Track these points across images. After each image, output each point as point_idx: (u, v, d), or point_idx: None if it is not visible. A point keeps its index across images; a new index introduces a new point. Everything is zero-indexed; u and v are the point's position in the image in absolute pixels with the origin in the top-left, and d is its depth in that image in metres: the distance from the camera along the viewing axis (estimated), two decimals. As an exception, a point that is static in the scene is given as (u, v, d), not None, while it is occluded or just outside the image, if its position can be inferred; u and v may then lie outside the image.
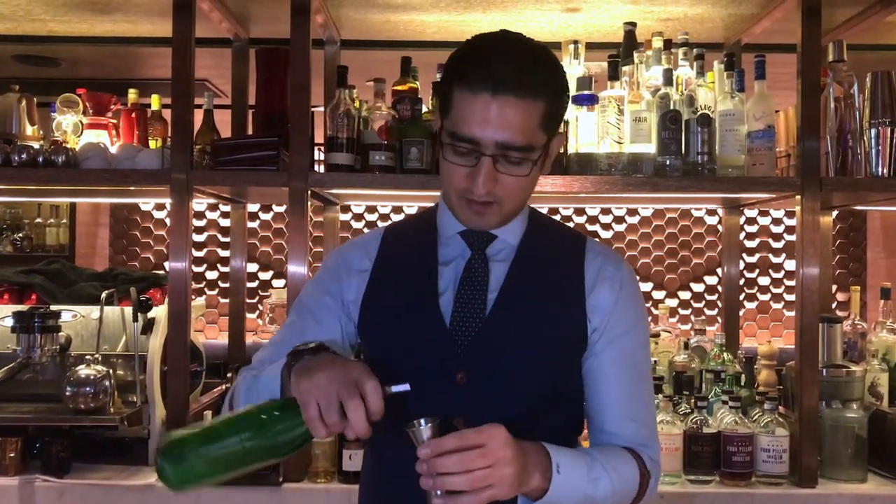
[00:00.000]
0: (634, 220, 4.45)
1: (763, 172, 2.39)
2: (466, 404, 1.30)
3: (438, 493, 1.14)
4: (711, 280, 4.38)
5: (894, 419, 2.46)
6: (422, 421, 1.16)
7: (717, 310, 4.34)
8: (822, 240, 2.93)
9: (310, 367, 1.18)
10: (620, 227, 4.46)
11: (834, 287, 4.18)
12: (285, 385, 1.23)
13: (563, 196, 2.55)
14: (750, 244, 4.45)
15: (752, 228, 4.43)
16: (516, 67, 1.22)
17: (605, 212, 4.43)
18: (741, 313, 4.37)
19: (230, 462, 1.17)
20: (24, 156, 2.44)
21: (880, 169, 2.37)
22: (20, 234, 4.58)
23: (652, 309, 4.24)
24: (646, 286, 4.43)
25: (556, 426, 1.36)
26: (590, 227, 4.43)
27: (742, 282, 4.44)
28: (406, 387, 1.18)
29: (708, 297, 4.38)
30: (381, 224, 3.33)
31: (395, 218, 4.17)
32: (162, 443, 1.18)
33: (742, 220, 4.44)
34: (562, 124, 1.37)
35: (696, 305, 4.38)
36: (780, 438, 2.32)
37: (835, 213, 4.35)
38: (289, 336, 1.41)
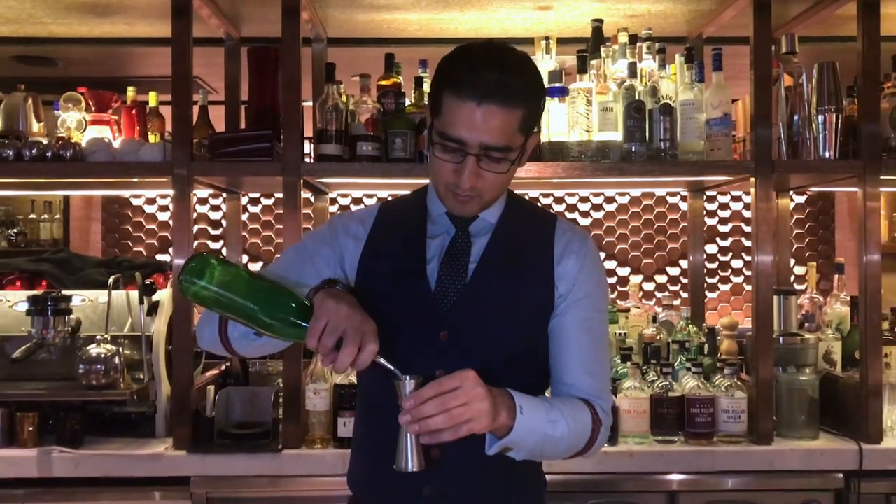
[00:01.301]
0: (612, 207, 4.72)
1: (720, 157, 2.65)
2: (448, 358, 1.52)
3: (412, 437, 1.36)
4: (686, 264, 4.65)
5: (845, 382, 2.74)
6: (406, 377, 1.39)
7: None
8: (781, 220, 3.22)
9: (341, 297, 1.42)
10: (599, 215, 4.73)
11: (804, 268, 4.48)
12: (310, 297, 1.44)
13: (537, 181, 2.81)
14: (723, 228, 4.73)
15: (726, 213, 4.71)
16: (500, 79, 1.44)
17: (584, 199, 4.70)
18: (716, 295, 4.68)
19: (231, 309, 1.41)
20: (33, 151, 2.67)
21: (827, 152, 2.65)
22: (14, 230, 4.82)
23: (619, 287, 4.53)
24: (623, 270, 4.70)
25: (527, 380, 1.58)
26: (569, 215, 4.69)
27: (716, 265, 4.73)
28: (397, 371, 1.40)
29: (683, 280, 4.65)
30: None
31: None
32: (193, 258, 1.43)
33: (715, 206, 4.73)
34: (538, 122, 1.61)
35: (672, 288, 4.66)
36: (738, 400, 2.60)
37: (804, 197, 4.67)
38: (286, 273, 1.60)
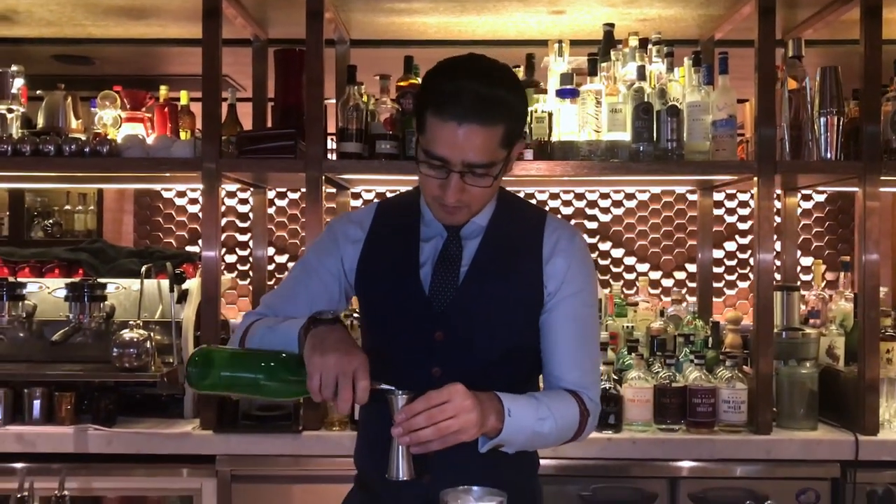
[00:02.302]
0: (632, 203, 4.86)
1: (725, 157, 2.80)
2: (444, 357, 1.66)
3: (402, 448, 1.49)
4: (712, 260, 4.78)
5: (846, 377, 2.88)
6: (398, 392, 1.49)
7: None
8: (787, 218, 3.36)
9: (324, 341, 1.50)
10: (619, 211, 4.87)
11: (823, 267, 4.59)
12: (301, 341, 1.58)
13: (548, 179, 2.98)
14: (742, 226, 4.86)
15: (745, 211, 4.83)
16: (480, 100, 1.51)
17: (605, 196, 4.85)
18: (734, 292, 4.80)
19: (240, 387, 1.59)
20: (73, 147, 2.89)
21: (828, 153, 2.79)
22: (50, 221, 5.07)
23: (613, 279, 4.67)
24: (642, 266, 4.85)
25: (519, 371, 1.74)
26: (589, 211, 4.85)
27: (735, 262, 4.86)
28: (391, 387, 1.50)
29: (701, 277, 4.78)
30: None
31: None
32: (195, 352, 1.61)
33: (735, 203, 4.85)
34: (522, 132, 1.70)
35: (690, 284, 4.79)
36: (739, 391, 2.75)
37: (823, 196, 4.78)
38: (294, 290, 1.77)
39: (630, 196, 4.84)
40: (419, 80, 3.02)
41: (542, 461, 2.68)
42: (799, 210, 4.80)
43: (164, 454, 2.73)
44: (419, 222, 1.75)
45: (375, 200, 1.93)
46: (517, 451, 1.65)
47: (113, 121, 3.14)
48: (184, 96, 3.27)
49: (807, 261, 4.69)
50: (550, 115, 2.84)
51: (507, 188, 4.19)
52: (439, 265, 1.69)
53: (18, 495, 1.80)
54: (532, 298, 1.71)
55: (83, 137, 3.00)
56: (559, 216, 4.79)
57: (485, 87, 1.53)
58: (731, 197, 4.85)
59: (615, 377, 2.82)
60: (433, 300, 1.68)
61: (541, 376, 1.81)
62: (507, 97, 1.57)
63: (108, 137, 3.00)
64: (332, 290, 1.78)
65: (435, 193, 1.62)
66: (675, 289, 4.12)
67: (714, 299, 4.71)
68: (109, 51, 3.59)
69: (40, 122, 3.16)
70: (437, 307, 1.67)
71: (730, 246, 4.87)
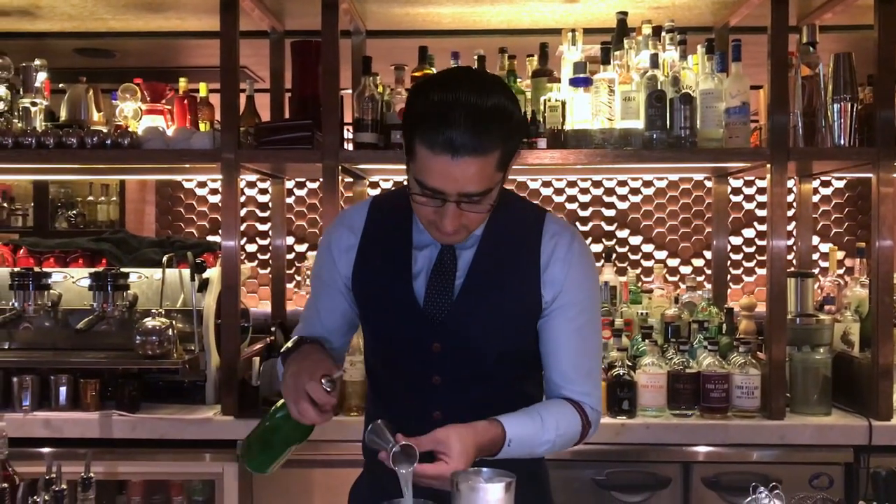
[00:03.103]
0: (650, 191, 4.89)
1: (738, 144, 2.83)
2: (442, 366, 1.67)
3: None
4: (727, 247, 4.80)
5: (860, 363, 2.90)
6: (393, 448, 1.47)
7: (729, 275, 4.77)
8: (803, 205, 3.38)
9: (286, 373, 1.61)
10: (636, 199, 4.90)
11: (843, 254, 4.60)
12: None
13: (561, 167, 3.01)
14: (761, 213, 4.87)
15: (763, 198, 4.84)
16: (472, 132, 1.43)
17: (622, 184, 4.88)
18: (753, 279, 4.82)
19: (279, 451, 1.69)
20: (95, 139, 2.96)
21: (842, 140, 2.80)
22: (74, 211, 5.19)
23: (631, 266, 4.71)
24: (660, 254, 4.88)
25: (516, 373, 1.74)
26: (606, 199, 4.88)
27: (753, 249, 4.87)
28: (340, 372, 1.57)
29: (719, 264, 4.80)
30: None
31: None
32: (241, 446, 1.81)
33: (753, 189, 4.87)
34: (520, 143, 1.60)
35: (708, 272, 4.81)
36: (752, 377, 2.78)
37: (843, 182, 4.78)
38: (315, 308, 1.82)
39: (648, 184, 4.87)
40: (433, 70, 3.07)
41: (556, 446, 2.75)
42: (818, 196, 4.83)
43: (186, 439, 2.81)
44: (412, 228, 1.70)
45: (370, 196, 1.88)
46: None
47: (133, 113, 3.22)
48: (203, 88, 3.34)
49: (826, 247, 4.70)
50: (564, 103, 2.88)
51: (523, 177, 4.22)
52: (434, 277, 1.66)
53: (46, 477, 1.88)
54: (529, 306, 1.68)
55: (105, 130, 3.07)
56: (575, 204, 4.84)
57: (477, 119, 1.45)
58: (749, 184, 4.87)
59: (629, 363, 2.85)
60: (428, 312, 1.66)
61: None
62: (500, 124, 1.49)
63: (129, 129, 3.08)
64: (346, 300, 1.78)
65: (430, 219, 1.56)
66: (691, 275, 4.15)
67: (732, 286, 4.76)
68: (130, 44, 3.66)
69: (63, 114, 3.25)
70: (433, 319, 1.65)
71: (748, 233, 4.89)
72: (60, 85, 3.38)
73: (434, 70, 3.07)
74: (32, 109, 3.12)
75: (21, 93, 3.14)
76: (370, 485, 1.84)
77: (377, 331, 1.77)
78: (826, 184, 4.84)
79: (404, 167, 1.59)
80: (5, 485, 1.86)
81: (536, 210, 1.77)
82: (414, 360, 1.69)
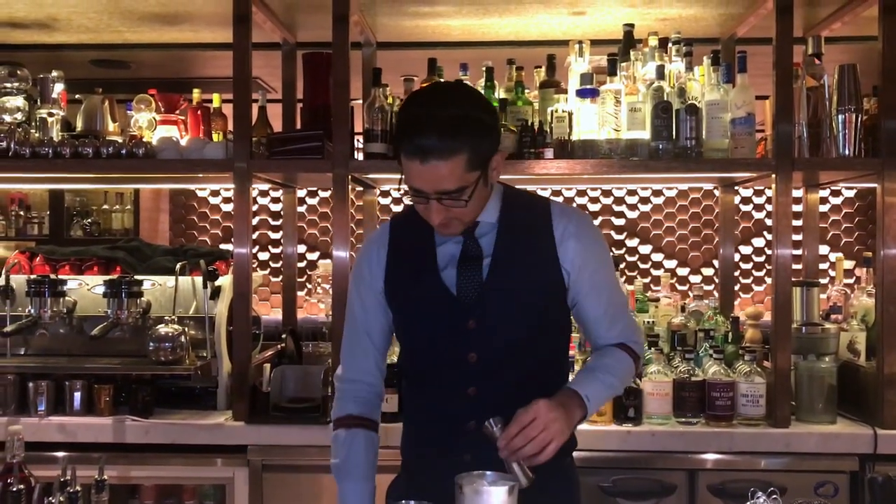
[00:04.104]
0: (659, 200, 4.92)
1: (744, 155, 2.86)
2: (477, 342, 1.84)
3: (516, 463, 1.68)
4: (737, 257, 4.82)
5: (866, 371, 2.93)
6: (491, 422, 1.68)
7: (738, 285, 4.80)
8: (809, 215, 3.41)
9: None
10: (646, 208, 4.93)
11: (852, 263, 4.61)
12: None
13: (568, 178, 3.06)
14: (770, 223, 4.88)
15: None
16: (438, 138, 1.66)
17: (632, 193, 4.91)
18: (762, 288, 4.84)
19: None
20: (110, 149, 3.03)
21: (846, 150, 2.84)
22: (89, 220, 5.27)
23: (641, 275, 4.74)
24: (670, 263, 4.90)
25: (547, 343, 1.93)
26: (616, 208, 4.92)
27: (763, 258, 4.89)
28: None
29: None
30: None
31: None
32: None
33: (763, 199, 4.89)
34: (495, 149, 1.78)
35: (717, 281, 4.83)
36: (757, 385, 2.81)
37: (853, 192, 4.80)
38: (354, 348, 2.00)
39: (658, 193, 4.90)
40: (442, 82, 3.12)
41: (562, 453, 2.79)
42: (828, 206, 4.84)
43: (198, 444, 2.86)
44: (432, 230, 1.87)
45: (387, 219, 2.06)
46: None
47: (148, 123, 3.29)
48: (216, 99, 3.41)
49: (835, 257, 4.71)
50: (571, 114, 2.92)
51: (530, 187, 4.30)
52: (462, 265, 1.86)
53: (62, 479, 1.94)
54: (552, 278, 1.88)
55: (120, 139, 3.14)
56: (578, 207, 4.88)
57: (443, 126, 1.67)
58: (759, 193, 4.89)
59: (635, 371, 2.89)
60: (462, 296, 1.85)
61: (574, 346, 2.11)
62: (466, 130, 1.69)
63: (144, 139, 3.15)
64: (385, 330, 1.99)
65: (426, 214, 1.79)
66: (698, 285, 4.18)
67: (742, 296, 4.78)
68: (145, 55, 3.74)
69: (79, 125, 3.32)
70: (466, 301, 1.84)
71: (758, 242, 4.91)
72: (77, 96, 3.45)
73: (443, 80, 3.12)
74: (49, 120, 3.19)
75: (38, 103, 3.22)
76: (407, 484, 1.98)
77: (413, 326, 1.93)
78: (836, 193, 4.85)
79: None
80: (21, 486, 1.92)
81: (542, 198, 1.99)
82: (449, 341, 1.86)
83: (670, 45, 3.04)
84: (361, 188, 3.59)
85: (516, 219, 1.90)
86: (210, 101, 3.40)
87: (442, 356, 1.89)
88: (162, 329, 2.95)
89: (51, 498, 1.91)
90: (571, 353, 2.76)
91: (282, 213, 4.68)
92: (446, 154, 1.67)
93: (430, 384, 1.95)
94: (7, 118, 3.15)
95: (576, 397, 1.78)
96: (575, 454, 2.73)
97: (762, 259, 4.90)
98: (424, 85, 3.09)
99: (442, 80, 3.12)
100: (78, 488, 1.92)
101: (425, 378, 1.97)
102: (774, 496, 1.64)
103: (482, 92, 2.98)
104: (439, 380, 1.92)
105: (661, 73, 2.92)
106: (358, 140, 3.17)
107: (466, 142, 1.69)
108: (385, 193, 4.75)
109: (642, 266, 4.92)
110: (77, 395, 2.94)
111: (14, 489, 1.90)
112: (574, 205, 4.90)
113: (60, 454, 2.80)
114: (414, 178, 1.72)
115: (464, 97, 1.78)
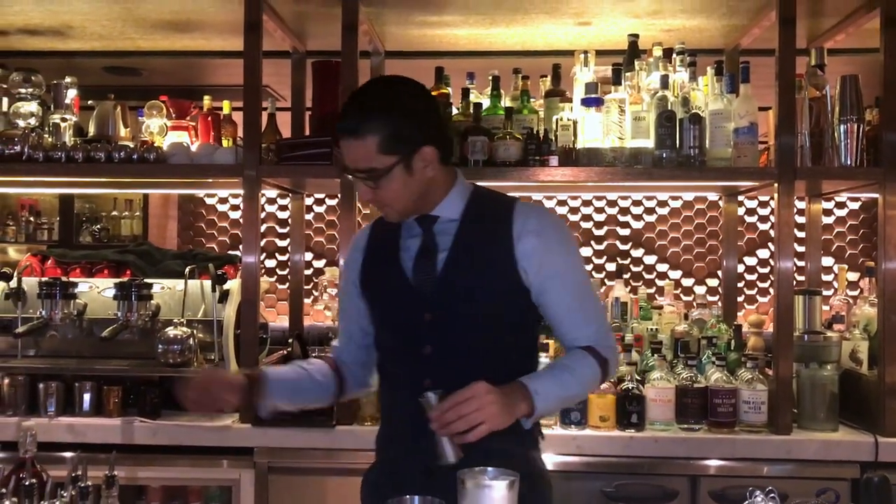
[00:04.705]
0: (664, 211, 4.95)
1: (747, 164, 2.90)
2: (435, 335, 1.89)
3: (446, 438, 1.71)
4: (738, 268, 4.85)
5: (868, 380, 2.96)
6: (429, 394, 1.72)
7: (743, 296, 4.83)
8: (812, 225, 3.45)
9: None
10: (651, 218, 4.97)
11: (857, 275, 4.64)
12: None
13: (573, 185, 3.10)
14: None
15: (778, 218, 4.89)
16: (351, 118, 1.81)
17: (637, 203, 4.95)
18: (767, 299, 4.87)
19: None
20: (122, 154, 3.09)
21: (848, 160, 2.88)
22: (98, 226, 5.33)
23: (646, 285, 4.77)
24: (675, 273, 4.93)
25: (508, 338, 1.94)
26: (621, 218, 4.95)
27: (768, 269, 4.92)
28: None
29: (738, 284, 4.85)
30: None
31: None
32: None
33: (767, 210, 4.93)
34: (418, 139, 1.84)
35: (721, 292, 4.86)
36: (759, 392, 2.84)
37: (857, 203, 4.83)
38: (342, 331, 2.15)
39: (663, 203, 4.93)
40: (449, 90, 3.18)
41: (566, 458, 2.84)
42: (833, 218, 4.88)
43: (205, 446, 2.90)
44: (401, 227, 1.99)
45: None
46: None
47: (159, 129, 3.34)
48: (226, 106, 3.47)
49: (838, 268, 4.75)
50: (575, 122, 2.97)
51: (535, 194, 4.33)
52: (419, 257, 1.93)
53: (73, 474, 1.98)
54: (508, 276, 1.90)
55: (131, 145, 3.20)
56: (590, 223, 4.92)
57: (357, 109, 1.83)
58: (763, 205, 4.92)
59: (638, 378, 2.93)
60: (418, 287, 1.91)
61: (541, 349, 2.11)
62: (378, 115, 1.81)
63: (155, 145, 3.21)
64: (364, 318, 2.06)
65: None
66: (701, 295, 4.21)
67: (746, 306, 4.80)
68: (156, 63, 3.81)
69: (91, 130, 3.38)
70: (422, 292, 1.91)
71: (763, 253, 4.94)
72: (89, 102, 3.52)
73: (450, 90, 3.18)
74: (62, 125, 3.26)
75: (52, 109, 3.29)
76: (384, 475, 2.02)
77: (379, 313, 2.00)
78: (841, 205, 4.88)
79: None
80: (34, 480, 1.96)
81: (509, 198, 2.01)
82: (407, 331, 1.93)
83: (674, 55, 3.09)
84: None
85: (478, 216, 1.95)
86: (220, 108, 3.46)
87: (400, 348, 1.96)
88: (171, 332, 3.00)
89: (62, 492, 1.95)
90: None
91: (289, 220, 4.74)
92: (357, 133, 1.80)
93: (392, 377, 2.01)
94: (21, 123, 3.22)
95: (523, 389, 1.79)
96: (577, 459, 2.80)
97: (766, 270, 4.93)
98: (432, 93, 3.15)
99: (449, 88, 3.18)
100: (89, 483, 1.96)
101: (388, 371, 2.03)
102: (772, 496, 1.67)
103: (492, 98, 3.08)
104: (399, 372, 1.97)
105: (665, 82, 2.97)
106: (366, 147, 3.21)
107: (378, 124, 1.80)
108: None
109: (647, 276, 4.96)
110: (86, 396, 2.99)
111: (27, 483, 1.94)
112: (579, 215, 4.95)
113: (69, 454, 2.84)
114: (343, 156, 1.87)
115: (393, 87, 1.91)
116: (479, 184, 2.07)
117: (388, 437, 2.06)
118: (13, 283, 3.14)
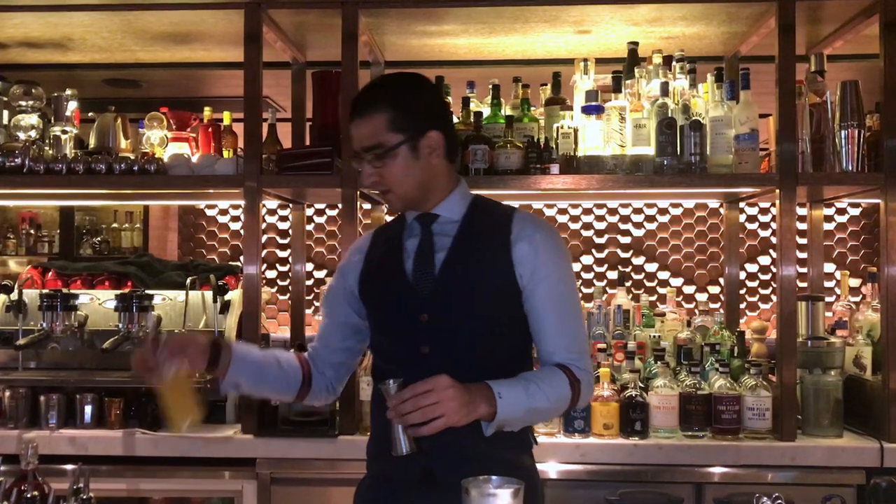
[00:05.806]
0: (665, 218, 4.96)
1: (748, 170, 2.90)
2: (431, 335, 1.89)
3: (401, 428, 1.71)
4: (740, 275, 4.85)
5: (872, 385, 2.95)
6: (390, 381, 1.72)
7: (745, 303, 4.83)
8: (814, 230, 3.45)
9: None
10: (652, 226, 4.98)
11: (858, 281, 4.64)
12: None
13: (574, 192, 3.10)
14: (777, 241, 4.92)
15: (779, 225, 4.89)
16: (362, 99, 1.91)
17: (638, 211, 4.96)
18: (769, 306, 4.87)
19: None
20: (122, 165, 3.09)
21: (849, 165, 2.88)
22: (98, 238, 5.33)
23: (647, 293, 4.77)
24: (676, 281, 4.93)
25: (501, 344, 1.93)
26: (622, 226, 4.96)
27: (769, 276, 4.92)
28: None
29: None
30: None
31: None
32: None
33: (769, 217, 4.93)
34: (426, 123, 1.90)
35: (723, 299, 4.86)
36: (763, 399, 2.84)
37: (858, 209, 4.83)
38: (319, 333, 2.14)
39: (663, 211, 4.94)
40: (449, 99, 3.17)
41: (569, 466, 2.83)
42: (834, 224, 4.88)
43: (207, 457, 2.89)
44: (403, 227, 2.02)
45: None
46: (521, 427, 1.89)
47: (160, 140, 3.35)
48: (226, 117, 3.47)
49: (840, 274, 4.74)
50: (576, 130, 2.97)
51: (536, 202, 4.32)
52: (417, 257, 1.95)
53: (75, 486, 1.97)
54: (503, 279, 1.91)
55: (132, 156, 3.20)
56: (591, 231, 4.93)
57: (368, 90, 1.96)
58: (764, 211, 4.93)
59: (642, 385, 2.92)
60: (416, 287, 1.92)
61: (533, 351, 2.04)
62: (384, 93, 1.91)
63: (156, 156, 3.21)
64: (343, 316, 2.09)
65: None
66: (703, 303, 4.20)
67: (749, 313, 4.80)
68: (157, 74, 3.81)
69: (92, 142, 3.39)
70: (420, 292, 1.91)
71: (764, 260, 4.94)
72: (90, 114, 3.52)
73: (450, 98, 3.18)
74: (63, 137, 3.26)
75: (52, 121, 3.29)
76: (373, 480, 2.01)
77: (377, 314, 2.00)
78: (841, 211, 4.89)
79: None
80: (35, 493, 1.95)
81: (508, 207, 2.04)
82: (405, 332, 1.92)
83: (674, 62, 3.09)
84: (369, 205, 3.63)
85: (478, 220, 1.98)
86: (221, 119, 3.47)
87: (398, 349, 1.94)
88: (172, 343, 2.98)
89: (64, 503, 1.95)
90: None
91: (290, 231, 4.75)
92: (366, 112, 1.88)
93: (388, 375, 1.96)
94: (22, 135, 3.22)
95: (487, 391, 1.77)
96: (581, 468, 2.79)
97: (768, 277, 4.93)
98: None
99: (449, 97, 3.18)
100: (91, 495, 1.96)
101: (383, 373, 1.97)
102: (779, 502, 1.67)
103: (500, 107, 3.10)
104: (394, 370, 1.91)
105: (665, 90, 2.98)
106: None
107: (387, 102, 1.88)
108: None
109: (649, 284, 4.96)
110: (88, 408, 2.98)
111: (28, 496, 1.93)
112: (580, 223, 4.96)
113: (70, 467, 2.83)
114: (352, 141, 1.92)
115: (402, 77, 1.99)
116: (480, 193, 2.08)
117: (381, 444, 1.99)
118: (14, 296, 3.14)
